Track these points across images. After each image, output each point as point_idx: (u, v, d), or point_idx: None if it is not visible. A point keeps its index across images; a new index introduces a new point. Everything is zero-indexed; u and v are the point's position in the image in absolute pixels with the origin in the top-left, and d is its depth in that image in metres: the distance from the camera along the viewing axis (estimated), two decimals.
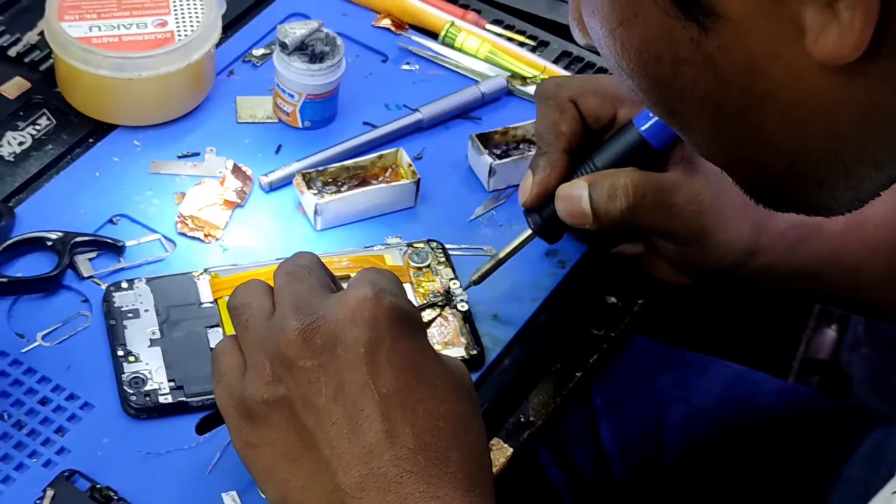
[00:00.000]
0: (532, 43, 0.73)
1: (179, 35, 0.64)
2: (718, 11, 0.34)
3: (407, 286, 0.61)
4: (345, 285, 0.51)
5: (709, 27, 0.35)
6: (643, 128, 0.57)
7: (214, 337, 0.59)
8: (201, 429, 0.53)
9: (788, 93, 0.36)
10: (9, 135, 0.64)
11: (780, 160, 0.39)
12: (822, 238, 0.62)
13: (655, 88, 0.39)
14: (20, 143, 0.64)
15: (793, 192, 0.41)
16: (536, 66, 0.70)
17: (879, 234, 0.62)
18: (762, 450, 0.72)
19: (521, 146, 0.65)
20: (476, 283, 0.58)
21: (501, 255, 0.59)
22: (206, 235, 0.62)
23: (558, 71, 0.70)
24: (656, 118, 0.57)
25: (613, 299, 0.64)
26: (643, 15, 0.36)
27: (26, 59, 0.68)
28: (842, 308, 0.86)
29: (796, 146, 0.38)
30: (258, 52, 0.71)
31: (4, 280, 0.58)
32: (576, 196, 0.57)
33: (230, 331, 0.56)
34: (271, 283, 0.52)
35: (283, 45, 0.64)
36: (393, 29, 0.73)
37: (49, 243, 0.60)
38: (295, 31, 0.64)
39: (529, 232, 0.59)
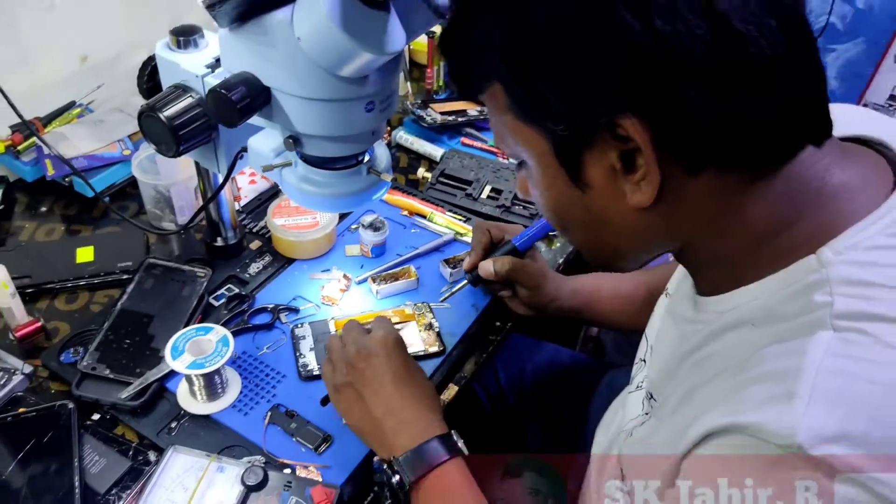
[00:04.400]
0: (464, 217, 1.10)
1: (321, 220, 1.03)
2: (589, 184, 0.52)
3: (413, 323, 0.93)
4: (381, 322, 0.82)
5: (585, 192, 0.53)
6: (516, 242, 0.92)
7: None
8: (323, 402, 0.84)
9: (618, 220, 0.54)
10: (252, 265, 1.03)
11: (608, 249, 0.58)
12: (584, 294, 0.94)
13: (558, 217, 0.58)
14: (256, 269, 1.03)
15: (611, 261, 0.60)
16: (461, 228, 1.08)
17: (609, 295, 0.93)
18: (562, 387, 1.06)
19: (459, 263, 1.00)
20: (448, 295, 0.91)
21: (455, 289, 0.95)
22: (332, 303, 0.98)
23: (471, 229, 0.98)
24: (523, 238, 0.91)
25: (499, 323, 0.97)
26: (556, 186, 0.54)
27: (260, 233, 1.08)
28: (598, 325, 1.10)
29: (618, 242, 0.57)
30: (354, 226, 1.08)
31: (251, 326, 0.93)
32: (487, 265, 0.90)
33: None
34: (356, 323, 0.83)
35: (362, 225, 1.04)
36: (407, 214, 1.12)
37: (269, 308, 0.96)
38: (367, 218, 1.04)
39: (465, 281, 0.94)
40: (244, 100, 0.67)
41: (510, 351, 1.07)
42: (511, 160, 0.75)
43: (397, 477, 0.69)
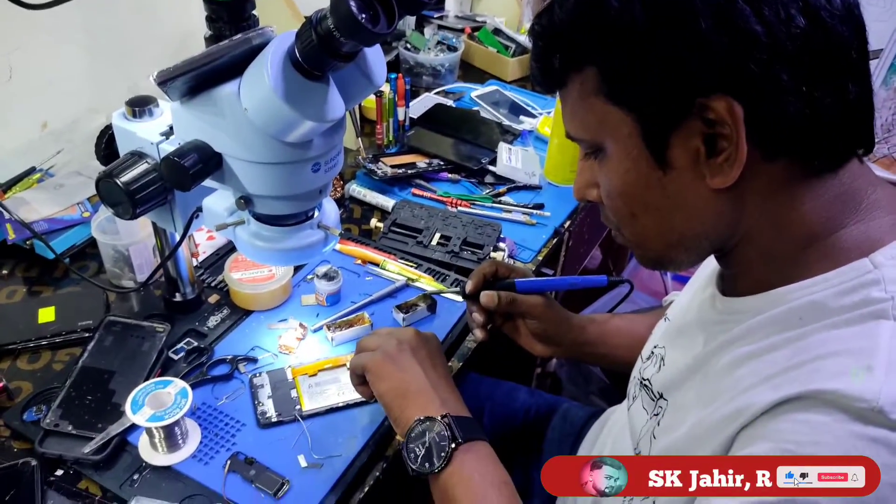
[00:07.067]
0: (415, 264, 1.14)
1: (277, 273, 1.06)
2: (671, 164, 0.55)
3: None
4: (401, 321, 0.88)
5: (666, 172, 0.56)
6: (517, 281, 0.92)
7: (293, 394, 0.93)
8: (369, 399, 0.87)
9: (693, 202, 0.56)
10: (211, 318, 1.05)
11: (674, 236, 0.59)
12: (597, 325, 0.94)
13: (630, 201, 0.58)
14: (215, 321, 1.05)
15: (670, 253, 0.60)
16: (413, 274, 1.13)
17: (624, 329, 0.94)
18: (520, 419, 1.11)
19: (411, 308, 1.06)
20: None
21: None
22: (289, 351, 1.00)
23: (422, 275, 1.10)
24: (526, 281, 0.90)
25: (455, 362, 1.03)
26: (637, 168, 0.57)
27: (219, 286, 1.10)
28: (606, 362, 0.99)
29: (686, 228, 0.58)
30: (309, 277, 1.11)
31: (209, 377, 0.95)
32: (491, 294, 0.90)
33: (300, 393, 0.92)
34: (313, 369, 0.91)
35: (317, 275, 1.07)
36: (362, 264, 1.16)
37: (227, 360, 0.98)
38: (321, 269, 1.09)
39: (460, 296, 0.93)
40: (196, 166, 0.71)
41: (468, 390, 1.09)
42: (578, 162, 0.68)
43: (448, 432, 0.72)
